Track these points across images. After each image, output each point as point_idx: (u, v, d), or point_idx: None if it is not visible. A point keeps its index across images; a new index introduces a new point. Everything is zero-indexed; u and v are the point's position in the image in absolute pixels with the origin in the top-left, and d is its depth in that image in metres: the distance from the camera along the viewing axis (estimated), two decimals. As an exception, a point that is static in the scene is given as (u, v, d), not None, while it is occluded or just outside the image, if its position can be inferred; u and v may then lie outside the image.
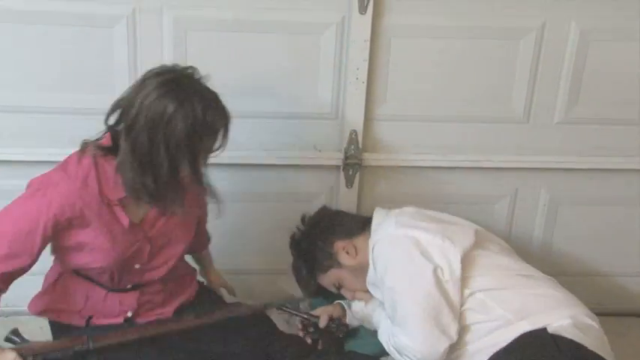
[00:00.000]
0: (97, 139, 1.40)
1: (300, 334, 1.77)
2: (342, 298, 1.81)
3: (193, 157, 1.35)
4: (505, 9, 1.84)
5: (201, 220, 1.71)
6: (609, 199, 2.11)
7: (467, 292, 1.52)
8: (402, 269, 1.55)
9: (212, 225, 1.80)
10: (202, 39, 1.81)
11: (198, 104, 1.31)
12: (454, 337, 1.48)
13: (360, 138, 1.92)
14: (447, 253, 1.53)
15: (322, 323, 1.75)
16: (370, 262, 1.65)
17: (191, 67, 1.38)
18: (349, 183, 1.98)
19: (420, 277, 1.51)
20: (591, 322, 1.49)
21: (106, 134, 1.40)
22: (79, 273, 1.53)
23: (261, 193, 2.01)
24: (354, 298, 1.77)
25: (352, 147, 1.93)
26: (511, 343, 1.42)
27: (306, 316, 1.78)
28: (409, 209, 1.72)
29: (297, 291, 1.90)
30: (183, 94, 1.30)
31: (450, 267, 1.52)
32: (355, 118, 1.91)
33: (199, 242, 1.76)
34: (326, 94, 1.91)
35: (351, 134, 1.92)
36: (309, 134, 1.95)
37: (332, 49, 1.85)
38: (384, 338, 1.64)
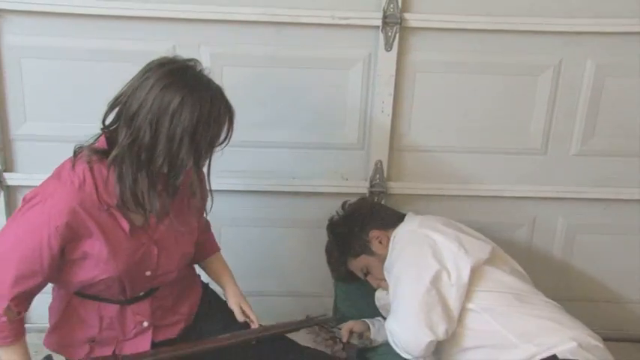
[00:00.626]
0: (91, 144, 1.34)
1: (329, 351, 1.84)
2: (364, 287, 1.90)
3: (198, 149, 1.30)
4: (524, 47, 1.96)
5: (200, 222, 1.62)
6: (624, 228, 2.19)
7: (471, 306, 1.59)
8: (410, 262, 1.65)
9: (240, 250, 1.91)
10: (237, 74, 1.93)
11: (206, 94, 1.28)
12: (440, 335, 1.55)
13: (385, 168, 2.04)
14: (458, 260, 1.61)
15: (344, 338, 1.83)
16: (389, 250, 1.74)
17: (193, 59, 1.34)
18: (373, 210, 2.09)
19: (424, 274, 1.59)
20: (596, 342, 1.54)
21: (100, 137, 1.35)
22: (87, 295, 1.47)
23: (289, 219, 2.13)
24: (378, 286, 1.86)
25: (377, 176, 2.04)
26: None
27: (334, 334, 1.86)
28: (437, 216, 1.82)
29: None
30: (190, 85, 1.27)
31: (459, 274, 1.59)
32: (380, 148, 2.02)
33: (207, 245, 1.72)
34: (353, 125, 2.03)
35: (376, 164, 2.03)
36: (337, 164, 2.06)
37: (359, 84, 1.98)
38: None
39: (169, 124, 1.25)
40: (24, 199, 1.33)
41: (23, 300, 1.35)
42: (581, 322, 1.62)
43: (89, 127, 1.35)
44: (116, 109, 1.31)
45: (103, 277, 1.39)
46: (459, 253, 1.62)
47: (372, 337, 1.86)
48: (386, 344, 1.83)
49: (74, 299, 1.48)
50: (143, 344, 1.53)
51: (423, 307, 1.57)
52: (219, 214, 1.70)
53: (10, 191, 2.03)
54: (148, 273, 1.47)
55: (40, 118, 1.94)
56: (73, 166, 1.32)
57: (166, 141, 1.25)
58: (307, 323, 1.79)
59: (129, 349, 1.52)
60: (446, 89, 2.01)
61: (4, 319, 1.33)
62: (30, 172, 1.98)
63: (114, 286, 1.44)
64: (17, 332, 1.37)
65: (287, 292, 2.22)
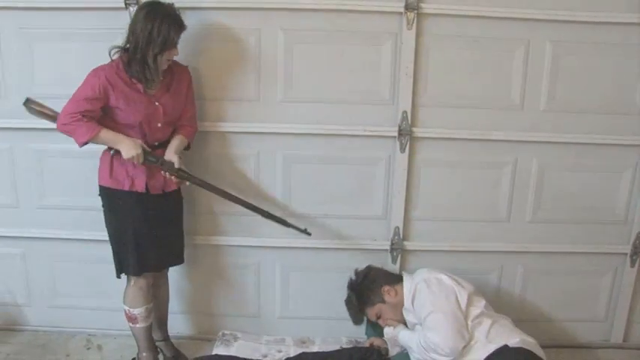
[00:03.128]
0: (118, 51, 2.27)
1: None
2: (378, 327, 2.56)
3: (157, 45, 2.20)
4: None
5: (187, 108, 2.46)
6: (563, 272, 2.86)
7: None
8: (437, 296, 2.26)
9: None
10: (301, 169, 2.67)
11: (170, 23, 2.21)
12: (467, 340, 2.17)
13: (401, 231, 2.76)
14: (460, 292, 2.30)
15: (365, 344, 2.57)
16: (409, 296, 2.34)
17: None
18: (394, 261, 2.81)
19: (450, 301, 2.25)
20: (534, 341, 2.23)
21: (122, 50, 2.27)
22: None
23: (333, 268, 2.81)
24: (385, 324, 2.49)
25: (396, 237, 2.78)
26: (490, 355, 2.13)
27: None
28: (430, 268, 2.48)
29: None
30: (156, 11, 2.21)
31: (462, 301, 2.27)
32: (397, 216, 2.75)
33: (185, 125, 2.46)
34: (378, 204, 2.75)
35: (395, 230, 2.77)
36: (366, 229, 2.79)
37: (383, 176, 2.71)
38: (414, 345, 2.26)
39: (148, 37, 2.19)
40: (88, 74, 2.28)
41: (90, 117, 2.24)
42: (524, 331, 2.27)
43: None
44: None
45: (129, 120, 2.29)
46: (459, 287, 2.33)
47: (389, 348, 2.56)
48: (398, 355, 2.51)
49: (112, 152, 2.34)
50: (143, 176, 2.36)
51: (455, 324, 2.18)
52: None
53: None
54: (159, 124, 2.36)
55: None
56: (111, 60, 2.27)
57: (141, 42, 2.20)
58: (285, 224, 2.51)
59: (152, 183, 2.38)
60: (446, 179, 2.70)
61: (84, 119, 2.21)
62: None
63: (139, 132, 2.31)
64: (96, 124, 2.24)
65: (320, 316, 2.92)
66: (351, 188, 2.74)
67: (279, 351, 2.76)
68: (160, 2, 2.27)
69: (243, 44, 2.58)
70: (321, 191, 2.70)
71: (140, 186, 2.38)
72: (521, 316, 2.44)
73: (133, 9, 2.46)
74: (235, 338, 2.86)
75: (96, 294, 2.64)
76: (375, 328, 2.71)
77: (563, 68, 2.61)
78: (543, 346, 2.28)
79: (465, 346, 2.20)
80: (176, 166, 2.36)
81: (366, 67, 2.61)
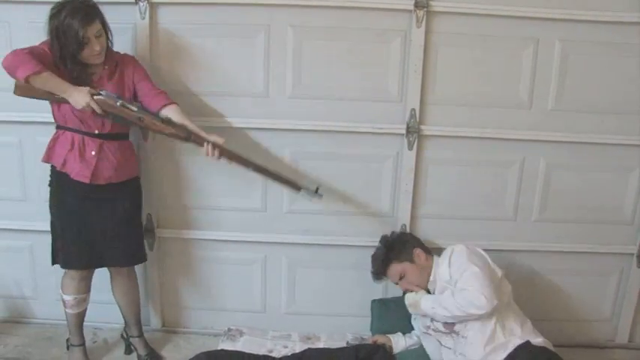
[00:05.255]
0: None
1: None
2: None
3: (77, 39, 2.12)
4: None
5: (140, 82, 2.36)
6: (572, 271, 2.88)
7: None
8: (475, 259, 2.28)
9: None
10: (312, 165, 2.70)
11: (73, 17, 2.10)
12: (498, 304, 2.16)
13: (408, 229, 2.77)
14: (495, 269, 2.32)
15: (368, 342, 2.59)
16: (447, 259, 2.34)
17: None
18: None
19: (486, 265, 2.27)
20: (548, 342, 2.23)
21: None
22: (68, 128, 2.27)
23: (339, 264, 2.85)
24: (407, 288, 2.45)
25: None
26: (515, 349, 2.15)
27: None
28: None
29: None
30: (67, 11, 2.10)
31: (496, 276, 2.29)
32: (405, 214, 2.76)
33: (158, 97, 2.35)
34: (385, 201, 2.76)
35: (402, 227, 2.78)
36: (373, 226, 2.80)
37: (390, 174, 2.72)
38: (447, 299, 2.25)
39: (63, 34, 2.11)
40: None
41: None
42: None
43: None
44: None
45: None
46: (494, 265, 2.34)
47: (393, 345, 2.59)
48: (402, 352, 2.55)
49: (60, 133, 2.31)
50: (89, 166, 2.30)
51: (491, 283, 2.20)
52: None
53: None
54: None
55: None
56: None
57: (54, 43, 2.14)
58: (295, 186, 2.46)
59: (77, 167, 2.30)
60: (456, 176, 2.72)
61: (33, 57, 2.10)
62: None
63: (77, 119, 2.24)
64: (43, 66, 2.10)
65: (323, 312, 2.94)
66: (358, 185, 2.75)
67: (285, 347, 2.77)
68: (68, 0, 2.16)
69: (253, 40, 2.59)
70: (328, 188, 2.70)
71: (72, 171, 2.31)
72: (527, 315, 2.41)
73: (143, 4, 2.47)
74: (241, 333, 2.87)
75: (102, 287, 2.65)
76: (381, 325, 2.72)
77: (571, 67, 2.62)
78: (550, 345, 2.29)
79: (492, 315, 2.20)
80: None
81: (375, 65, 2.61)
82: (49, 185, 2.45)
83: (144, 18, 2.55)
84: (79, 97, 2.17)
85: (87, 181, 2.33)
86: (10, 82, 2.19)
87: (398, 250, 2.52)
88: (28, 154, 2.74)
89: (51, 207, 2.45)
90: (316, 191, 2.51)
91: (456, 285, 2.28)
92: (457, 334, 2.32)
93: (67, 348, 2.68)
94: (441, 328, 2.38)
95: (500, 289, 2.30)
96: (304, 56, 2.61)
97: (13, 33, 2.59)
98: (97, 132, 2.32)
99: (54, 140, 2.37)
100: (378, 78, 2.63)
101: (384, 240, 2.62)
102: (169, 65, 2.62)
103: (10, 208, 2.83)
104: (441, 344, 2.39)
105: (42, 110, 2.46)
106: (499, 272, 2.35)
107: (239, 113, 2.67)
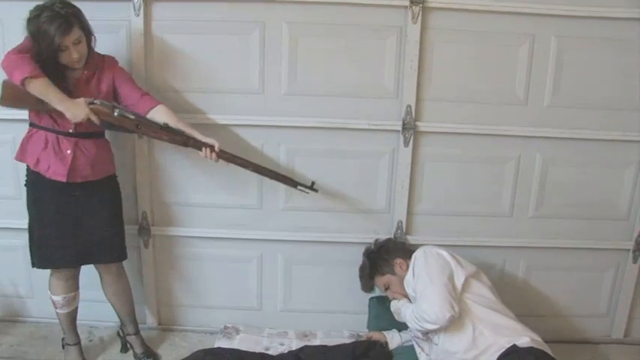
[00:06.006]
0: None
1: None
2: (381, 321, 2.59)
3: (53, 46, 2.07)
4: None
5: (122, 85, 2.33)
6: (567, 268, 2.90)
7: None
8: (433, 266, 2.25)
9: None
10: (306, 163, 2.69)
11: (50, 24, 2.05)
12: (455, 313, 2.11)
13: (404, 225, 2.77)
14: (458, 270, 2.27)
15: (364, 338, 2.59)
16: (410, 268, 2.34)
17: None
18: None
19: (444, 272, 2.23)
20: (539, 338, 2.15)
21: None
22: (41, 127, 2.23)
23: (335, 261, 2.84)
24: (393, 297, 2.48)
25: (399, 231, 2.77)
26: (500, 357, 2.04)
27: None
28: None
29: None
30: (45, 17, 2.05)
31: (458, 279, 2.23)
32: (401, 210, 2.75)
33: (143, 100, 2.33)
34: (381, 198, 2.76)
35: (398, 224, 2.78)
36: (369, 223, 2.80)
37: (386, 170, 2.71)
38: (408, 315, 2.27)
39: (41, 39, 2.06)
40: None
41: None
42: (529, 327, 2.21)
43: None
44: None
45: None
46: (457, 266, 2.30)
47: (389, 341, 2.59)
48: (399, 348, 2.54)
49: (34, 131, 2.27)
50: (64, 164, 2.26)
51: (445, 294, 2.15)
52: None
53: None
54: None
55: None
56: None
57: (35, 47, 2.08)
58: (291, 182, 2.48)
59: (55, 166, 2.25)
60: (448, 172, 2.72)
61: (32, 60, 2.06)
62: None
63: (52, 119, 2.20)
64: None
65: (321, 310, 2.93)
66: (354, 182, 2.75)
67: (282, 344, 2.77)
68: (48, 5, 2.11)
69: (248, 37, 2.58)
70: (324, 184, 2.70)
71: (47, 170, 2.28)
72: (522, 311, 2.43)
73: (137, 1, 2.46)
74: (237, 331, 2.87)
75: (97, 286, 2.64)
76: (378, 322, 2.72)
77: (567, 63, 2.62)
78: (545, 341, 2.27)
79: (453, 319, 2.17)
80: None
81: (371, 61, 2.61)
82: (25, 185, 2.41)
83: (138, 15, 2.53)
84: (77, 110, 2.15)
85: (63, 179, 2.30)
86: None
87: (380, 264, 2.54)
88: (22, 152, 2.71)
89: (28, 207, 2.42)
90: (312, 186, 2.53)
91: (417, 291, 2.30)
92: (431, 340, 2.34)
93: (63, 347, 2.66)
94: (419, 334, 2.39)
95: (470, 286, 2.28)
96: (300, 53, 2.59)
97: (5, 30, 2.57)
98: (71, 130, 2.29)
99: (27, 138, 2.33)
100: (374, 74, 2.62)
101: (367, 253, 2.62)
102: (163, 62, 2.61)
103: (4, 207, 2.81)
104: (422, 349, 2.41)
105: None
106: (465, 271, 2.29)
107: (234, 110, 2.66)
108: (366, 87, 2.63)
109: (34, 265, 2.49)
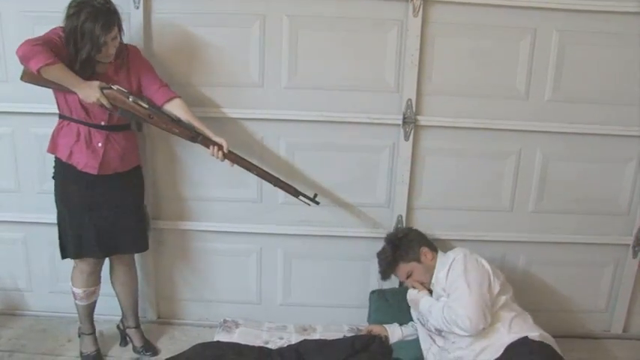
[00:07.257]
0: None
1: None
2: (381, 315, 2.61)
3: (96, 44, 2.09)
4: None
5: (143, 75, 2.34)
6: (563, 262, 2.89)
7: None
8: (471, 274, 2.22)
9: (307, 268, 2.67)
10: (306, 156, 2.68)
11: (94, 22, 2.05)
12: (488, 323, 2.14)
13: (404, 220, 2.76)
14: (494, 279, 2.26)
15: (364, 332, 2.58)
16: (445, 268, 2.29)
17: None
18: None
19: (481, 282, 2.20)
20: (548, 335, 2.23)
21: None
22: (73, 119, 2.24)
23: (335, 255, 2.85)
24: (412, 286, 2.44)
25: (399, 225, 2.77)
26: (512, 343, 2.13)
27: None
28: None
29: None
30: (87, 14, 2.05)
31: (495, 287, 2.23)
32: (401, 205, 2.75)
33: (160, 91, 2.34)
34: (381, 193, 2.75)
35: (398, 218, 2.77)
36: (369, 217, 2.79)
37: (387, 164, 2.71)
38: (437, 313, 2.23)
39: (80, 33, 2.07)
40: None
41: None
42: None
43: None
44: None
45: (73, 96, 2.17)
46: (494, 275, 2.29)
47: (390, 336, 2.59)
48: (398, 342, 2.55)
49: (64, 124, 2.27)
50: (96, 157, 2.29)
51: (482, 305, 2.15)
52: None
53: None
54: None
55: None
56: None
57: (72, 42, 2.09)
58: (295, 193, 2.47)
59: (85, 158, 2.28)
60: (449, 170, 2.71)
61: (47, 48, 2.05)
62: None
63: (82, 110, 2.22)
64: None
65: (323, 304, 2.94)
66: (354, 176, 2.75)
67: (281, 338, 2.77)
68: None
69: (248, 30, 2.57)
70: (324, 179, 2.70)
71: (79, 162, 2.31)
72: (522, 305, 2.40)
73: (139, -6, 2.46)
74: (237, 325, 2.87)
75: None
76: (379, 316, 2.72)
77: (569, 58, 2.61)
78: (545, 336, 2.29)
79: (485, 330, 2.19)
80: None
81: (371, 55, 2.60)
82: (53, 178, 2.43)
83: (138, 7, 2.52)
84: (90, 92, 2.15)
85: (95, 172, 2.32)
86: (2, 73, 2.15)
87: (405, 250, 2.49)
88: (22, 145, 2.72)
89: (57, 200, 2.43)
90: (314, 198, 2.52)
91: (449, 296, 2.27)
92: (446, 337, 2.33)
93: (79, 336, 2.68)
94: (432, 329, 2.37)
95: (502, 293, 2.28)
96: (300, 46, 2.58)
97: (3, 23, 2.55)
98: (103, 124, 2.31)
99: (57, 131, 2.34)
100: (375, 68, 2.61)
101: (390, 239, 2.58)
102: (163, 55, 2.59)
103: (3, 200, 2.81)
104: (434, 341, 2.40)
105: (35, 101, 2.45)
106: (499, 281, 2.30)
107: (234, 103, 2.65)
108: (366, 81, 2.62)
109: (64, 256, 2.49)
